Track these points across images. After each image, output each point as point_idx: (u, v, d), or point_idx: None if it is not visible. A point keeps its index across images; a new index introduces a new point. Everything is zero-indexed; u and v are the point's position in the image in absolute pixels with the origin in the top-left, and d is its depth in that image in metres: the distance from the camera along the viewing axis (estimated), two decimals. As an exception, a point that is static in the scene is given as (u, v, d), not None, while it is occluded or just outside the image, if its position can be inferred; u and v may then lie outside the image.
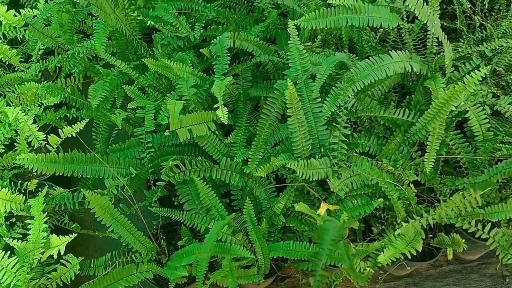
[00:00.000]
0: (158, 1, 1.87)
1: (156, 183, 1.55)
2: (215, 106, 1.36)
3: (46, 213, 1.63)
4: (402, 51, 1.56)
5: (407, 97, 1.71)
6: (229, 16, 1.86)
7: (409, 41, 1.72)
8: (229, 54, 1.58)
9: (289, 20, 1.46)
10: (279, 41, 1.78)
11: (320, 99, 1.46)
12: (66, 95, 1.72)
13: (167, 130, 1.40)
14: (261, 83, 1.68)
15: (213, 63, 1.58)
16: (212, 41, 1.58)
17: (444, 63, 1.67)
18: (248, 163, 1.49)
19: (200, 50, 1.60)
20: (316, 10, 1.47)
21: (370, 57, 1.48)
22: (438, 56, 1.71)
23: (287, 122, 1.41)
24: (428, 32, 1.72)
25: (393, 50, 1.53)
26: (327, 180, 1.44)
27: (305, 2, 1.85)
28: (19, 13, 2.19)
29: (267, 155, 1.51)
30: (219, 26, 1.84)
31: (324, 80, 1.41)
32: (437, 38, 1.71)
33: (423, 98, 1.69)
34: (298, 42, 1.43)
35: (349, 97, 1.44)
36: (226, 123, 1.37)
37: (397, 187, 1.48)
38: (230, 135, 1.57)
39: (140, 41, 1.77)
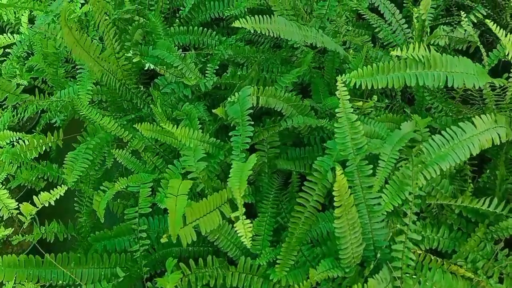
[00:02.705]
0: (160, 34, 1.48)
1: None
2: (232, 215, 0.96)
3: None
4: (487, 114, 1.15)
5: (487, 169, 1.29)
6: (250, 55, 1.46)
7: (490, 95, 1.30)
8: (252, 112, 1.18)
9: (338, 76, 1.05)
10: (314, 91, 1.37)
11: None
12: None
13: (164, 235, 1.01)
14: (292, 150, 1.27)
15: (230, 125, 1.20)
16: (229, 97, 1.18)
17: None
18: (276, 268, 1.09)
19: (213, 110, 1.21)
20: (374, 64, 1.06)
21: (446, 129, 1.07)
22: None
23: (334, 226, 1.00)
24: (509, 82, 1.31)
25: (476, 116, 1.11)
26: (387, 302, 1.03)
27: (350, 39, 1.44)
28: (-1, 38, 1.84)
29: (301, 259, 1.11)
30: (237, 69, 1.44)
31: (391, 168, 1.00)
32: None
33: (509, 172, 1.27)
34: (350, 109, 1.03)
35: (420, 188, 1.03)
36: (249, 247, 0.96)
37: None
38: (251, 224, 1.17)
39: (136, 91, 1.37)
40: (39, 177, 1.55)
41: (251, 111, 1.12)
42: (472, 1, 1.76)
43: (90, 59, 1.15)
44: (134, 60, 1.33)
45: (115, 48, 1.24)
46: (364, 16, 1.67)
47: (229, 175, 0.99)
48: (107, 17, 1.49)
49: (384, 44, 1.64)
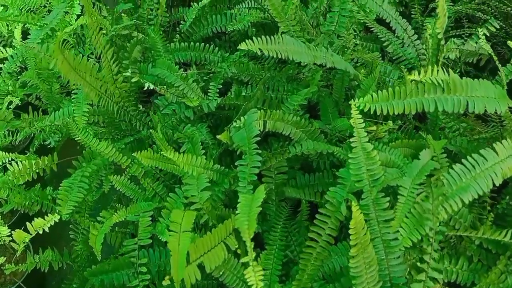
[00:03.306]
0: (160, 51, 1.41)
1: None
2: (242, 260, 0.88)
3: None
4: (507, 139, 1.08)
5: (506, 195, 1.23)
6: (255, 73, 1.39)
7: (509, 117, 1.23)
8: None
9: (351, 101, 0.98)
10: (323, 111, 1.30)
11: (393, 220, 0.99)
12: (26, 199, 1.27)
13: (167, 277, 0.93)
14: (301, 176, 1.20)
15: (235, 149, 1.12)
16: (234, 122, 1.11)
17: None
18: (286, 306, 1.02)
19: (217, 136, 1.13)
20: (389, 89, 0.99)
21: (467, 158, 1.00)
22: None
23: (349, 265, 0.93)
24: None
25: (497, 142, 1.05)
26: None
27: (359, 56, 1.38)
28: (-10, 53, 1.77)
29: (313, 296, 1.04)
30: (242, 88, 1.37)
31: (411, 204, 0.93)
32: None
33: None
34: (365, 139, 0.96)
35: (441, 223, 0.96)
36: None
37: None
38: (259, 258, 1.10)
39: (135, 113, 1.30)
40: (32, 201, 1.48)
41: (258, 138, 1.05)
42: (483, 13, 1.70)
43: (87, 84, 1.08)
44: (133, 80, 1.26)
45: (113, 70, 1.16)
46: (372, 29, 1.61)
47: (236, 211, 0.92)
48: (103, 33, 1.42)
49: (393, 58, 1.58)
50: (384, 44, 1.59)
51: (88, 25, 1.07)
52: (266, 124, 1.12)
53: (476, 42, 1.59)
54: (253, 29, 1.56)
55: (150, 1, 1.51)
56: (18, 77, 1.77)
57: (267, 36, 1.04)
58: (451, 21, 1.70)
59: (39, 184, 1.48)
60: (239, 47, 1.00)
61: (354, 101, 1.00)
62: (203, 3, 1.46)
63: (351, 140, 0.96)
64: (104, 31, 1.38)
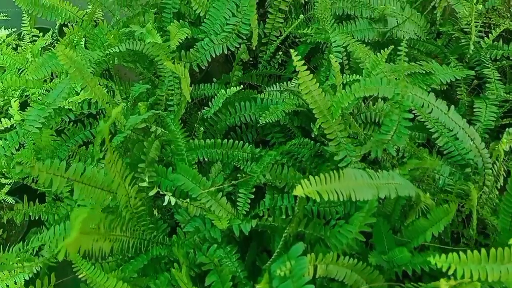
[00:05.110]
0: (181, 148, 1.20)
1: None
2: None
3: None
4: None
5: None
6: (292, 180, 1.18)
7: None
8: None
9: (430, 258, 0.77)
10: (376, 238, 1.08)
11: None
12: None
13: None
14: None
15: None
16: (278, 269, 0.89)
17: None
18: None
19: (256, 286, 0.92)
20: (482, 250, 0.78)
21: None
22: None
23: None
24: None
25: None
26: None
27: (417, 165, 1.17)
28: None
29: None
30: (277, 197, 1.16)
31: None
32: None
33: None
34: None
35: None
36: None
37: None
38: None
39: (150, 236, 1.08)
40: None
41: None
42: (541, 99, 1.52)
43: (101, 235, 0.87)
44: (150, 194, 1.05)
45: (129, 193, 0.95)
46: (418, 116, 1.42)
47: None
48: (117, 129, 1.22)
49: (444, 152, 1.39)
50: (434, 136, 1.39)
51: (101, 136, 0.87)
52: (317, 269, 0.91)
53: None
54: (287, 117, 1.36)
55: (169, 83, 1.31)
56: (13, 155, 1.56)
57: (325, 174, 0.83)
58: (506, 108, 1.52)
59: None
60: (293, 193, 0.80)
61: (432, 257, 0.80)
62: (231, 91, 1.26)
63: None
64: (118, 126, 1.18)
